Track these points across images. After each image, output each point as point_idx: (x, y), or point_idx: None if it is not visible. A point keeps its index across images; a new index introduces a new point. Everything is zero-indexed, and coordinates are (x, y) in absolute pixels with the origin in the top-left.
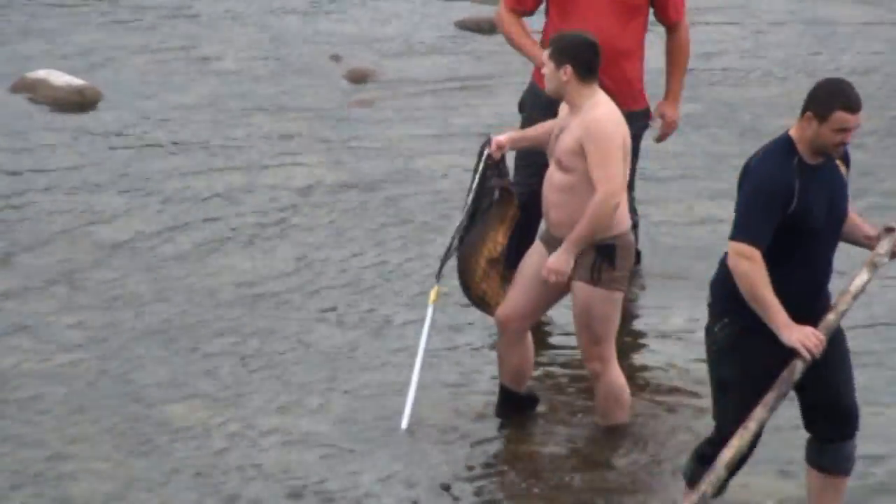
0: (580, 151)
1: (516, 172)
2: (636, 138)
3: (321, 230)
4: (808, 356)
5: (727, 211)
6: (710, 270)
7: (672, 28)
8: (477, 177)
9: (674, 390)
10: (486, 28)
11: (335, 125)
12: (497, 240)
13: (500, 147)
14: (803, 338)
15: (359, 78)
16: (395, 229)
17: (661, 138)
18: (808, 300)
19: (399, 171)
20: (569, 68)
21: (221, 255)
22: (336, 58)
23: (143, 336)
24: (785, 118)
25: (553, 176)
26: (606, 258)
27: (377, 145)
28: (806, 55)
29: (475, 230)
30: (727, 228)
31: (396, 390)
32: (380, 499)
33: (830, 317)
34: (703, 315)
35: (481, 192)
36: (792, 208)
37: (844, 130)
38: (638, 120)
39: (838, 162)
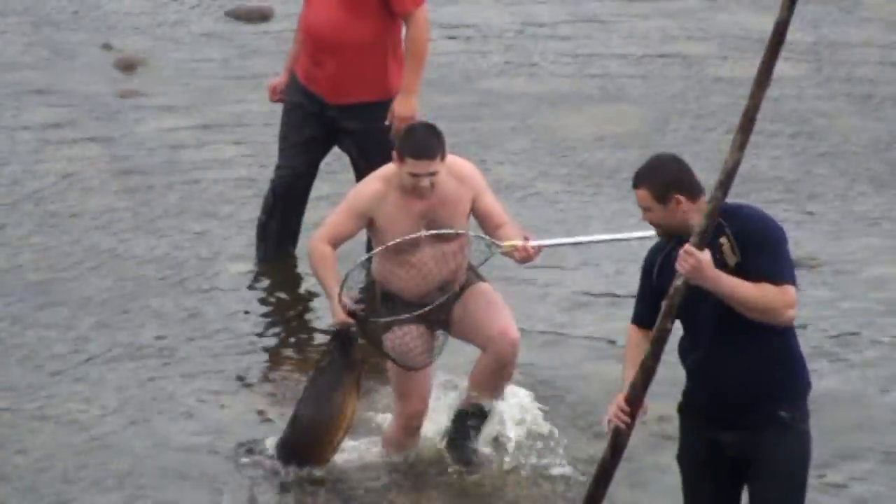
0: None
1: (279, 155)
2: (377, 131)
3: (86, 217)
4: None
5: None
6: None
7: (406, 19)
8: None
9: None
10: (255, 18)
11: (103, 114)
12: (352, 407)
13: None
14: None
15: (128, 66)
16: (165, 220)
17: (393, 131)
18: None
19: (166, 161)
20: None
21: None
22: (107, 46)
23: None
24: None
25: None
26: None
27: (144, 135)
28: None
29: (324, 402)
30: None
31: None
32: None
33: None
34: None
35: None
36: None
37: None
38: (376, 111)
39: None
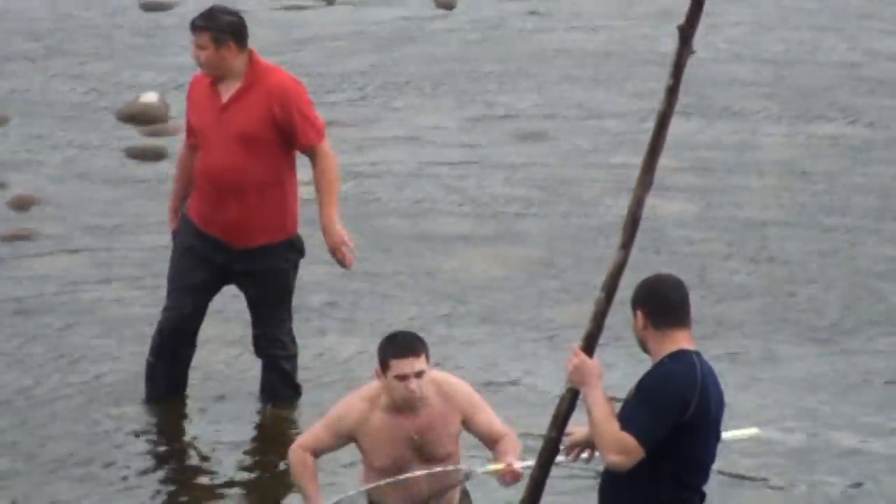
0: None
1: (167, 297)
2: (280, 271)
3: None
4: None
5: None
6: None
7: (310, 154)
8: None
9: None
10: (150, 156)
11: None
12: None
13: None
14: None
15: (23, 205)
16: (56, 362)
17: (342, 264)
18: None
19: (64, 302)
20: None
21: None
22: (2, 185)
23: None
24: None
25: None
26: None
27: (37, 275)
28: None
29: None
30: None
31: None
32: None
33: None
34: None
35: None
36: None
37: None
38: (294, 250)
39: None
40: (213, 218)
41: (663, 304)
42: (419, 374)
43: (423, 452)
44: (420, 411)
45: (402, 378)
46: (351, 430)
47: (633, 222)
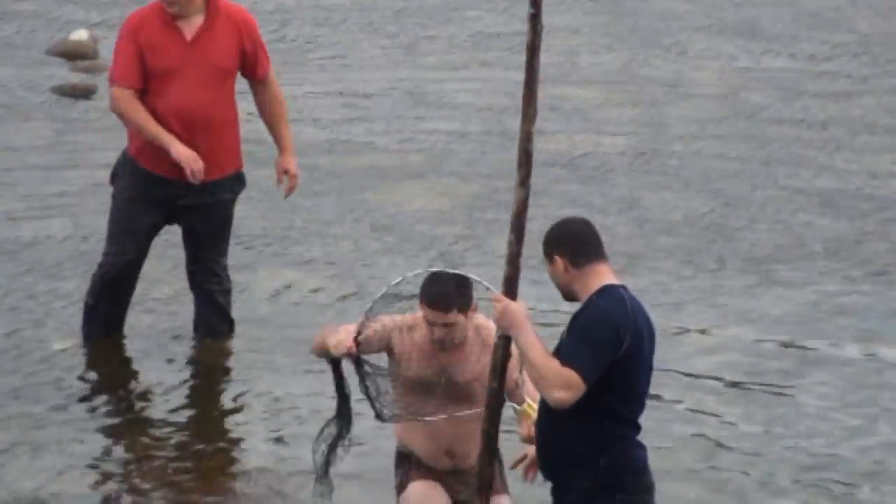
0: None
1: (109, 240)
2: (230, 202)
3: None
4: None
5: None
6: None
7: (262, 83)
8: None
9: None
10: (81, 93)
11: None
12: None
13: (350, 351)
14: None
15: None
16: None
17: (289, 192)
18: None
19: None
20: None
21: None
22: None
23: None
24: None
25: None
26: None
27: None
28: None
29: None
30: None
31: None
32: None
33: None
34: None
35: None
36: None
37: None
38: (240, 182)
39: None
40: (169, 157)
41: (579, 242)
42: (446, 326)
43: (451, 387)
44: (454, 348)
45: (430, 324)
46: (392, 332)
47: (526, 157)
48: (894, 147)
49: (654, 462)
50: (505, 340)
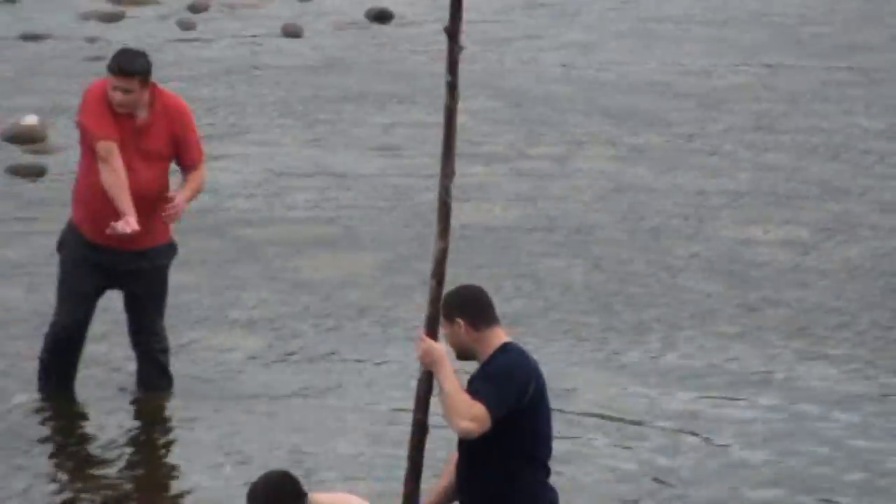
0: None
1: (59, 304)
2: (166, 267)
3: None
4: None
5: None
6: None
7: (192, 168)
8: None
9: None
10: (34, 172)
11: None
12: None
13: None
14: None
15: None
16: None
17: (169, 218)
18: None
19: None
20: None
21: None
22: None
23: None
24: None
25: None
26: None
27: None
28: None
29: None
30: None
31: None
32: None
33: None
34: None
35: None
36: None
37: None
38: (173, 249)
39: None
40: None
41: (480, 307)
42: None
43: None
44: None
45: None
46: None
47: (444, 210)
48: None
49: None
50: (428, 375)
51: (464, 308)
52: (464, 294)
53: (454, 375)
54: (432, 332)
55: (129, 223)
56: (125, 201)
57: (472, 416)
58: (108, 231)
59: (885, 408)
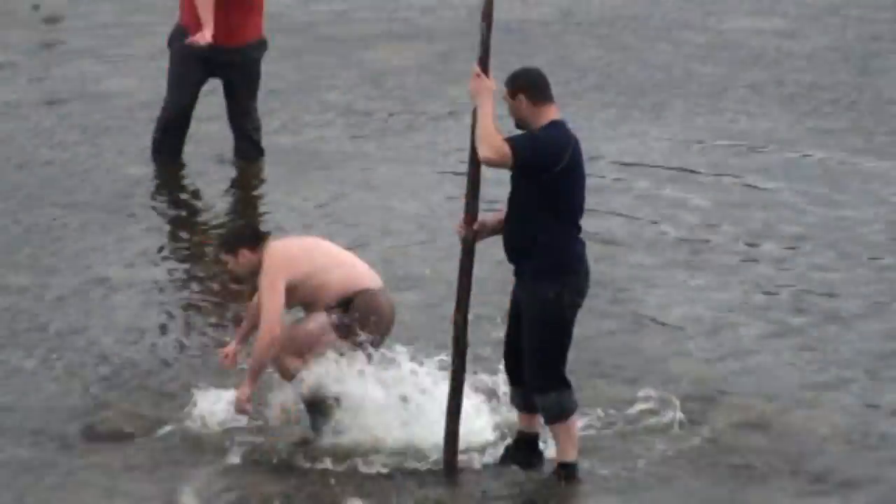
0: None
1: (169, 91)
2: (258, 60)
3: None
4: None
5: None
6: None
7: None
8: None
9: None
10: None
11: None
12: None
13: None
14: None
15: (52, 20)
16: (80, 135)
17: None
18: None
19: (86, 91)
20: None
21: None
22: (35, 6)
23: None
24: None
25: None
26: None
27: (69, 72)
28: None
29: None
30: None
31: None
32: None
33: None
34: None
35: None
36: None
37: None
38: (263, 45)
39: None
40: (215, 27)
41: (539, 85)
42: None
43: None
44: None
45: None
46: None
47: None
48: None
49: None
50: (474, 113)
51: (525, 85)
52: (526, 73)
53: (493, 111)
54: (484, 69)
55: (204, 36)
56: (207, 15)
57: (497, 147)
58: (186, 42)
59: None
